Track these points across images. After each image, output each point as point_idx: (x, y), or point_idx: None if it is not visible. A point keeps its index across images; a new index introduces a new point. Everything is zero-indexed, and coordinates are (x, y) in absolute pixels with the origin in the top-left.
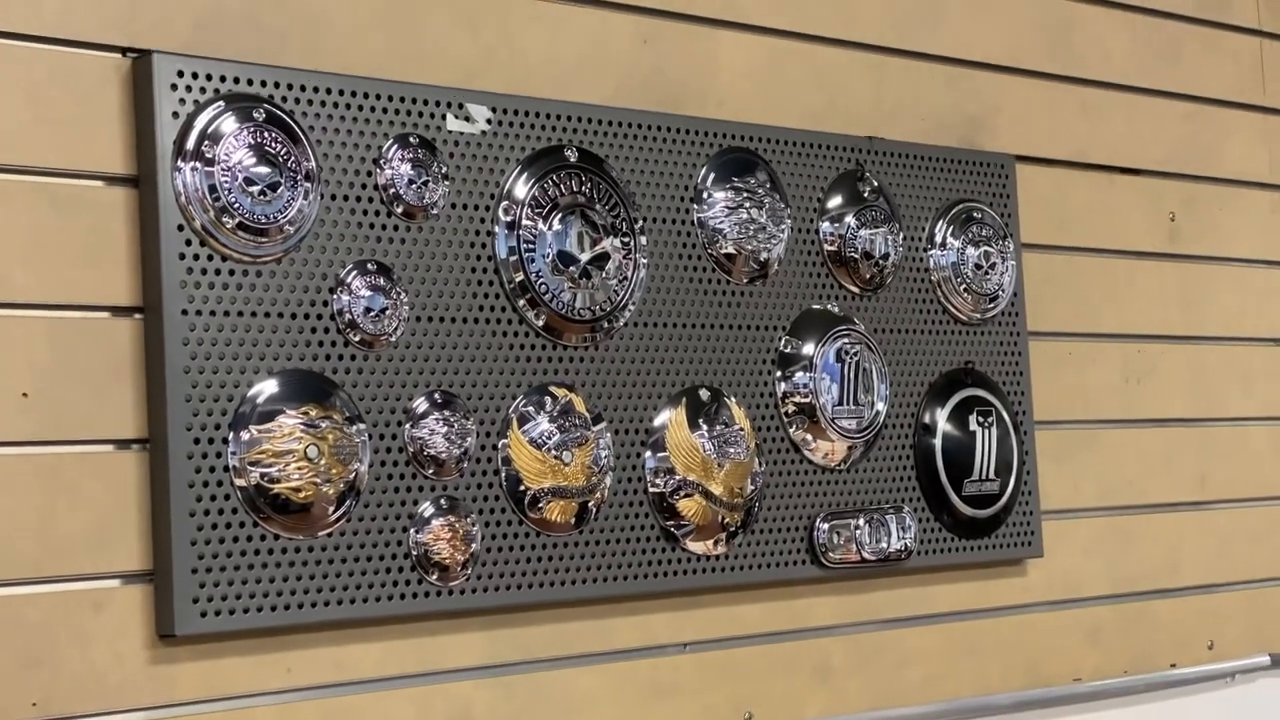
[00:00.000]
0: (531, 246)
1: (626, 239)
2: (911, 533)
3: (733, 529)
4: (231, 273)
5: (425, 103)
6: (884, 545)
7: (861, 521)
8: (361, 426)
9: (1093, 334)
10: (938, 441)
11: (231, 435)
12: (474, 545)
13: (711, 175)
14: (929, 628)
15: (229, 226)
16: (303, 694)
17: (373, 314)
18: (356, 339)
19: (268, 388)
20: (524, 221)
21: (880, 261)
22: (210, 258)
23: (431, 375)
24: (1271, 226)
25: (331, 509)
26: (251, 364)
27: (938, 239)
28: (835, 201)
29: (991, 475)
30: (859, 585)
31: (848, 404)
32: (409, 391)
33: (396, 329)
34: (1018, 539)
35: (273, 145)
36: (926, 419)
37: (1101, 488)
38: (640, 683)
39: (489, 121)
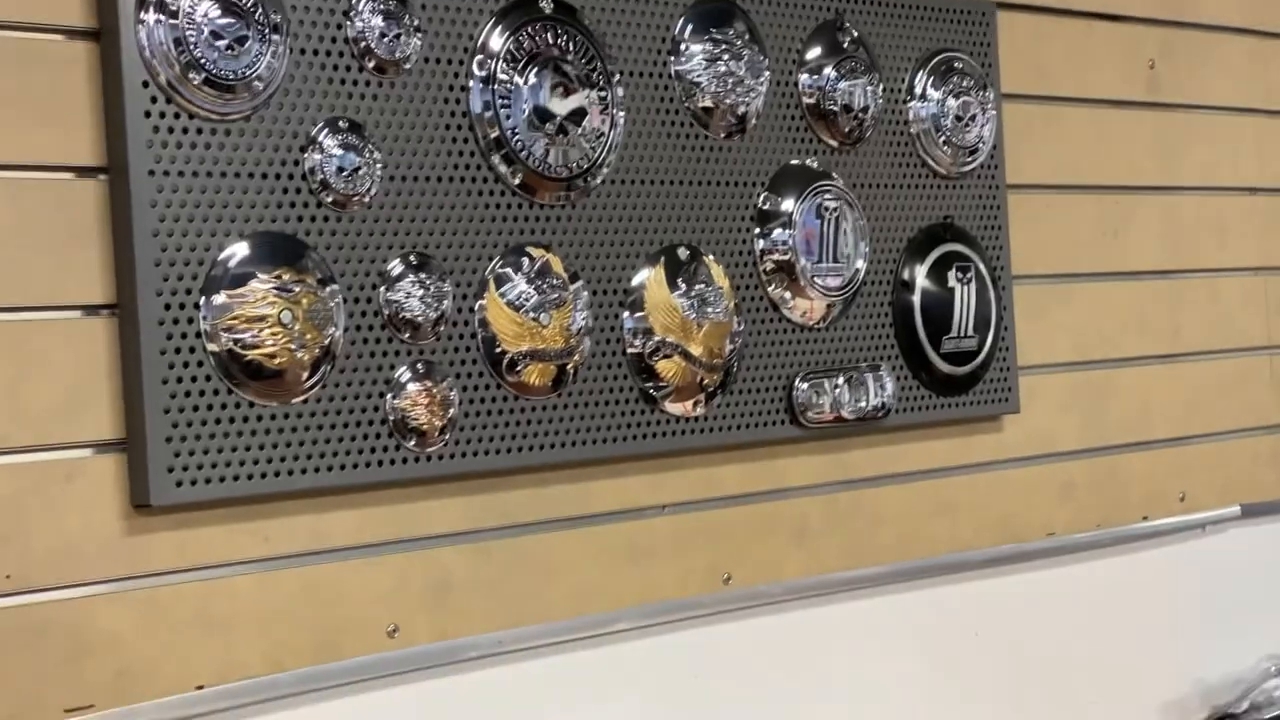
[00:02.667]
0: (507, 101)
1: (603, 93)
2: (889, 391)
3: (711, 390)
4: (199, 131)
5: None
6: (862, 404)
7: (840, 380)
8: (336, 289)
9: (1070, 185)
10: (916, 298)
11: (203, 300)
12: (451, 410)
13: (689, 27)
14: (905, 486)
15: (195, 83)
16: (281, 563)
17: (345, 173)
18: (329, 199)
19: (239, 251)
20: (499, 76)
21: (860, 115)
22: (177, 115)
23: (406, 236)
24: (1250, 74)
25: (306, 375)
26: (222, 226)
27: (918, 90)
28: (814, 53)
29: (970, 332)
30: (837, 445)
31: (827, 261)
32: (384, 254)
33: (370, 189)
34: (995, 395)
35: None
36: (905, 275)
37: (1076, 343)
38: (618, 546)
39: None
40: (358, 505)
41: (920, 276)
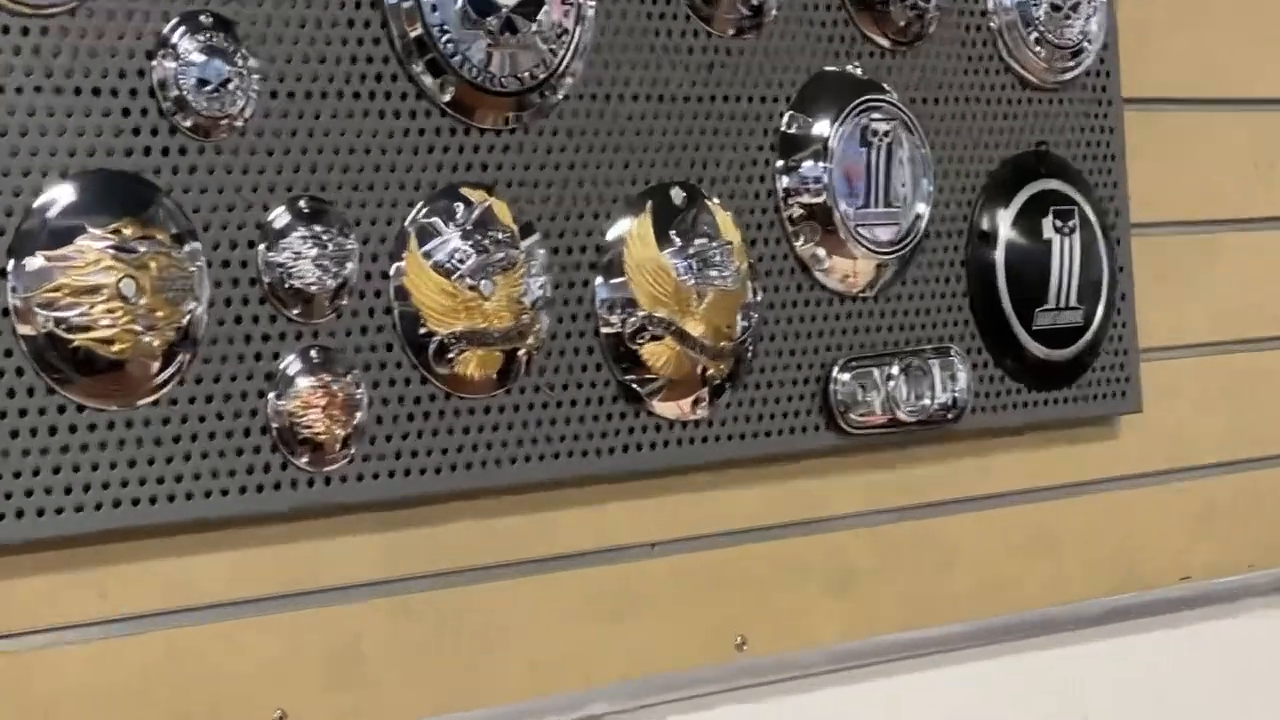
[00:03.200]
0: None
1: None
2: (963, 383)
3: (718, 383)
4: (5, 30)
5: None
6: (925, 401)
7: (895, 369)
8: (197, 248)
9: (1212, 100)
10: (999, 255)
11: (12, 265)
12: (359, 414)
13: None
14: (986, 514)
15: None
16: (125, 626)
17: (210, 88)
18: (188, 124)
19: (62, 196)
20: None
21: (920, 3)
22: None
23: (295, 175)
24: None
25: (157, 367)
26: (38, 162)
27: None
28: None
29: (1073, 302)
30: (891, 458)
31: (876, 206)
32: (264, 199)
33: (244, 109)
34: (1109, 389)
35: None
36: (984, 224)
37: (1220, 316)
38: (592, 599)
39: None
40: (231, 546)
41: (1004, 226)
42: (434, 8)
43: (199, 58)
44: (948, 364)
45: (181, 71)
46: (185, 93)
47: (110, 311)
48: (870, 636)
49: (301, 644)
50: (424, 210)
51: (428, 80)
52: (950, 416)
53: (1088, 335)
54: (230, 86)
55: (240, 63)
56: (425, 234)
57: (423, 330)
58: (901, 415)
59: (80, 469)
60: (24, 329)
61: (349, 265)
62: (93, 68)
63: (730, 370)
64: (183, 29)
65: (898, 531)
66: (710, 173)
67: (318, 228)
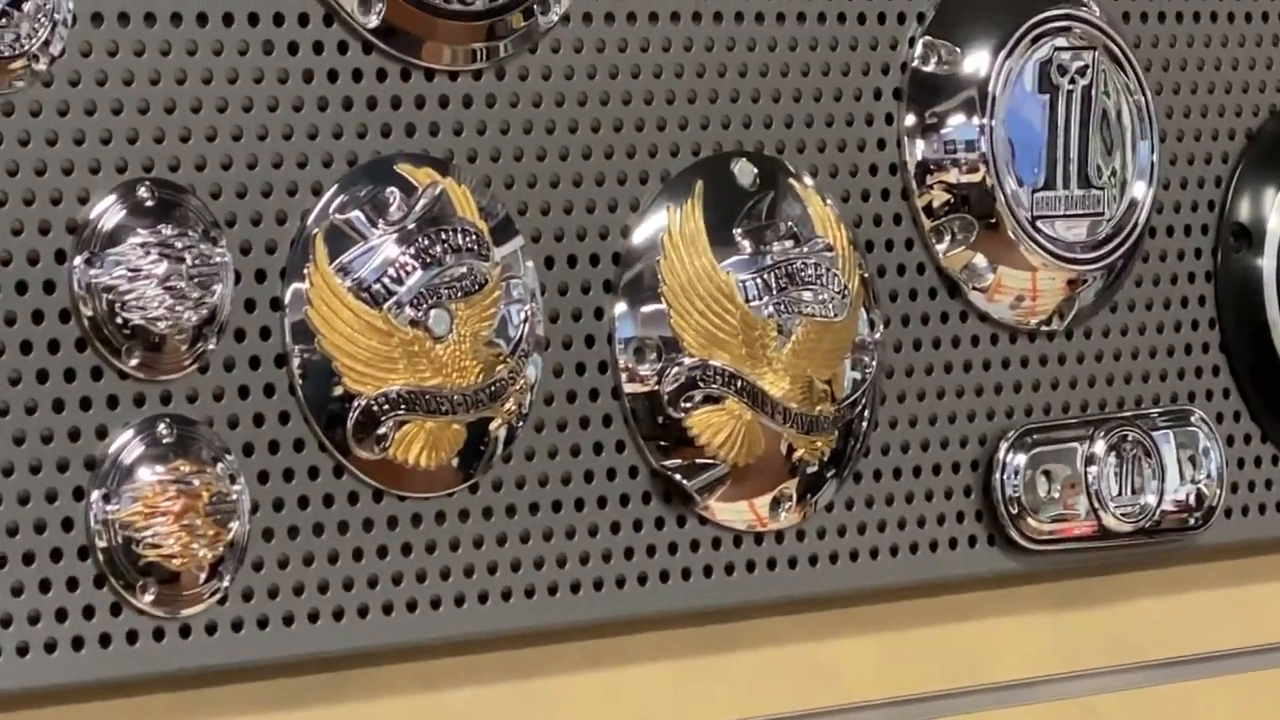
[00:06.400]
0: None
1: None
2: (1211, 468)
3: (813, 472)
4: None
5: None
6: (1149, 499)
7: (1099, 446)
8: None
9: None
10: (1269, 264)
11: None
12: (234, 526)
13: None
14: (1253, 678)
15: None
16: None
17: None
18: None
19: None
20: None
21: None
22: None
23: (131, 146)
24: None
25: None
26: None
27: None
28: None
29: None
30: (1094, 590)
31: (1066, 186)
32: (81, 183)
33: (48, 41)
34: None
35: None
36: (1243, 214)
37: None
38: None
39: None
40: None
41: (1277, 217)
42: None
43: None
44: (1187, 437)
45: None
46: None
47: None
48: None
49: None
50: (337, 200)
51: None
52: (1191, 523)
53: None
54: (27, 7)
55: None
56: (340, 238)
57: (337, 391)
58: (1110, 521)
59: None
60: None
61: (218, 289)
62: None
63: (834, 451)
64: None
65: (1108, 707)
66: (797, 135)
67: (168, 229)
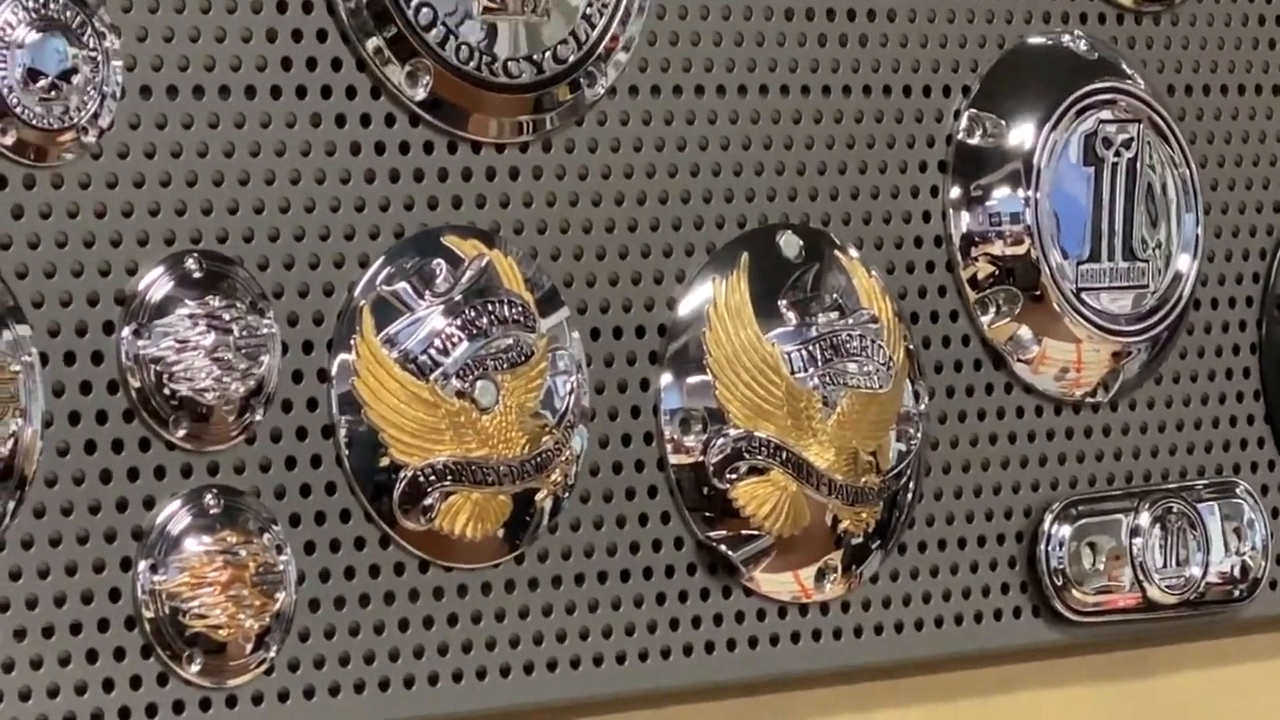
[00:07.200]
0: None
1: None
2: (1257, 539)
3: (858, 543)
4: None
5: None
6: (1194, 570)
7: (1144, 517)
8: (23, 336)
9: None
10: None
11: None
12: (280, 597)
13: None
14: None
15: None
16: None
17: (44, 84)
18: (7, 141)
19: None
20: None
21: None
22: None
23: (179, 218)
24: None
25: None
26: None
27: None
28: None
29: None
30: (1140, 663)
31: (1110, 259)
32: (129, 255)
33: (98, 116)
34: None
35: None
36: None
37: None
38: None
39: None
40: None
41: None
42: None
43: (28, 35)
44: (1232, 509)
45: (6, 59)
46: (5, 91)
47: None
48: None
49: None
50: (385, 272)
51: (392, 69)
52: (1236, 595)
53: None
54: (77, 80)
55: (92, 43)
56: (386, 309)
57: (384, 462)
58: (1155, 593)
59: None
60: None
61: (265, 360)
62: None
63: (879, 523)
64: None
65: None
66: (842, 207)
67: (215, 301)
